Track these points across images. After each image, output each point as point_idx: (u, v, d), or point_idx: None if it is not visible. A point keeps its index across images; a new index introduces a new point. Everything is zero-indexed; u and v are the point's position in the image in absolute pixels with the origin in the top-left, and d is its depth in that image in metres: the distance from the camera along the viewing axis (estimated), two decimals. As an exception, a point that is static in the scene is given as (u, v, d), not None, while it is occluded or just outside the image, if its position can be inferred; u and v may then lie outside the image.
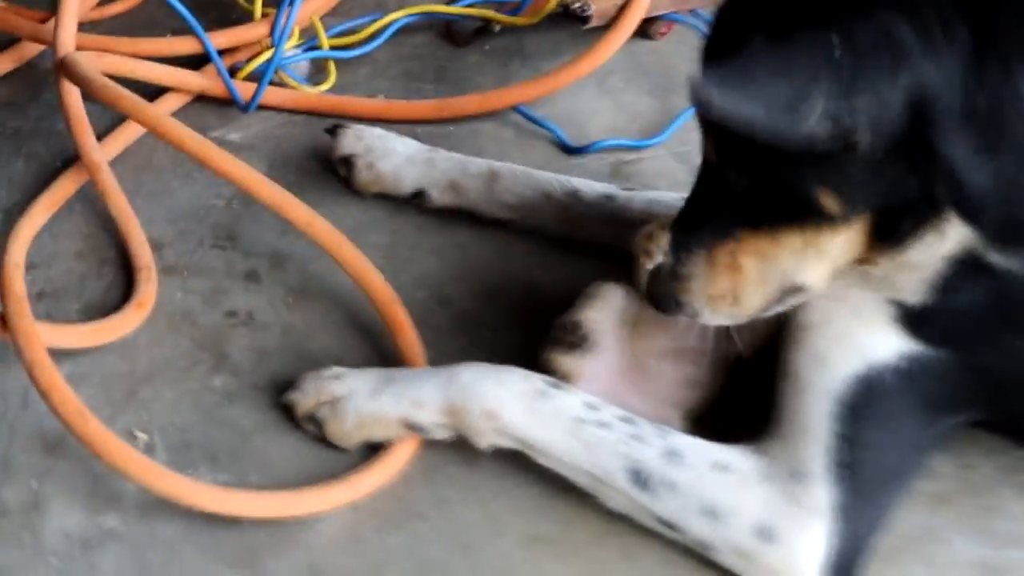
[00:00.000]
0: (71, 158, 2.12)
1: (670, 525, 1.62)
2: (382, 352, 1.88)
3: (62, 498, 1.70)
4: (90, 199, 2.09)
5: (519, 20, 2.42)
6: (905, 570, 1.66)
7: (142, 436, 1.77)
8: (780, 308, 1.58)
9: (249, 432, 1.78)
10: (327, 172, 2.17)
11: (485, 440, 1.69)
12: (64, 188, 2.07)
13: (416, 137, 2.22)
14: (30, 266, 1.95)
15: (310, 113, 2.27)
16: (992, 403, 1.63)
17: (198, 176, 2.14)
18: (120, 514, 1.68)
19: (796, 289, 1.54)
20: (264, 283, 1.98)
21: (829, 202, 1.43)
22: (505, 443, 1.69)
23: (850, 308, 1.59)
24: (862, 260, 1.51)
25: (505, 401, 1.67)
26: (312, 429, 1.76)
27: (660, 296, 1.61)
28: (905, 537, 1.68)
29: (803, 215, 1.46)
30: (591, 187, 1.99)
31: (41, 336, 1.75)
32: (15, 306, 1.78)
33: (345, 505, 1.69)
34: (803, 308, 1.60)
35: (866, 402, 1.56)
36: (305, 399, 1.77)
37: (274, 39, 2.26)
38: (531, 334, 1.89)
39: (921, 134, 1.35)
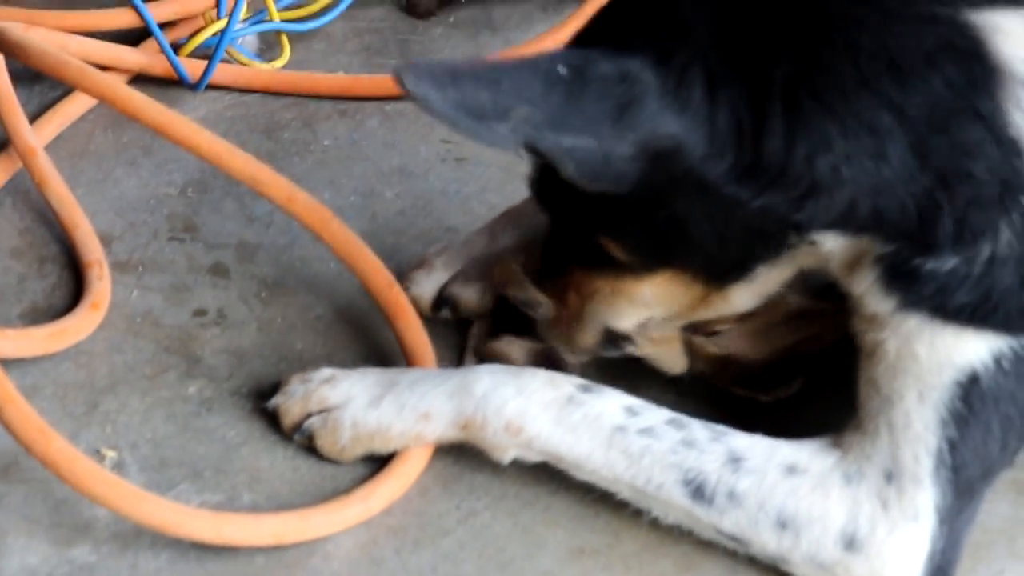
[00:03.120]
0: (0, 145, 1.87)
1: (737, 539, 1.43)
2: (377, 348, 1.66)
3: (21, 530, 1.45)
4: (22, 191, 1.85)
5: (485, -11, 2.22)
6: (996, 566, 1.49)
7: (110, 454, 1.52)
8: (616, 353, 1.56)
9: (234, 444, 1.55)
10: (289, 154, 1.95)
11: (507, 455, 1.48)
12: (-7, 178, 1.81)
13: (386, 116, 2.02)
14: (-41, 267, 1.70)
15: (264, 92, 2.04)
16: None
17: (144, 162, 1.91)
18: (93, 546, 1.44)
19: (618, 336, 1.53)
20: (233, 277, 1.75)
21: (614, 249, 1.44)
22: (532, 457, 1.48)
23: (935, 326, 1.38)
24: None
25: (530, 412, 1.45)
26: (301, 441, 1.53)
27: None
28: (991, 530, 1.51)
29: (604, 260, 1.46)
30: None
31: (-15, 343, 1.50)
32: (-50, 312, 1.52)
33: (357, 524, 1.46)
34: (878, 329, 1.41)
35: (972, 404, 1.37)
36: (292, 406, 1.54)
37: (220, 11, 2.03)
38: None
39: (690, 183, 1.33)
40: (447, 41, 2.19)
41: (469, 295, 1.67)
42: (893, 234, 1.36)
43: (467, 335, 1.66)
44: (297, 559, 1.44)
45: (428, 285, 1.68)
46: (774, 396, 1.59)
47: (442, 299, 1.67)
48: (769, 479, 1.41)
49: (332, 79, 2.05)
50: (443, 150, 1.97)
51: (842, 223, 1.36)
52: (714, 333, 1.57)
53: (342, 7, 2.18)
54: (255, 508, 1.48)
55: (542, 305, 1.57)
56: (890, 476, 1.38)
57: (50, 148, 1.89)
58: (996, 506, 1.53)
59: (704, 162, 1.32)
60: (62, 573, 1.41)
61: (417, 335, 1.61)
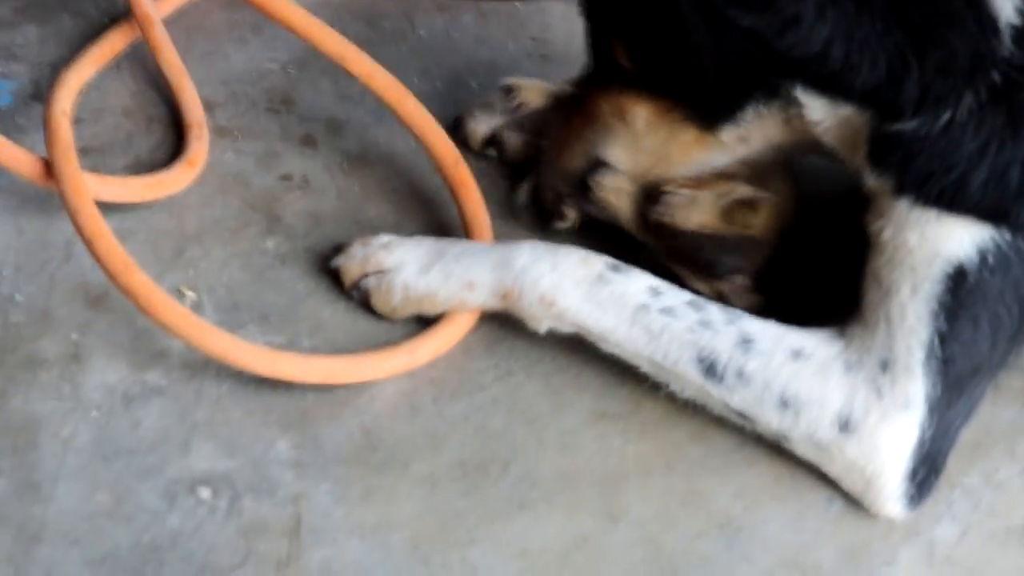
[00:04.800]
0: (119, 15, 2.02)
1: (743, 416, 1.54)
2: (443, 222, 1.79)
3: (104, 352, 1.61)
4: (139, 58, 1.99)
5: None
6: (992, 464, 1.59)
7: (190, 294, 1.68)
8: (588, 181, 1.67)
9: (302, 295, 1.69)
10: (387, 42, 2.07)
11: (542, 325, 1.60)
12: (113, 43, 1.96)
13: (481, 13, 2.14)
14: (76, 121, 1.84)
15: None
16: None
17: (253, 40, 2.04)
18: (165, 371, 1.60)
19: (600, 164, 1.65)
20: (320, 148, 1.89)
21: (622, 56, 1.55)
22: (564, 328, 1.59)
23: (920, 212, 1.48)
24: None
25: (562, 287, 1.57)
26: (359, 298, 1.67)
27: None
28: (992, 432, 1.61)
29: (614, 74, 1.58)
30: None
31: (88, 186, 1.66)
32: (62, 153, 1.68)
33: (402, 373, 1.60)
34: (878, 216, 1.51)
35: (960, 298, 1.47)
36: (352, 267, 1.68)
37: (336, -96, 2.14)
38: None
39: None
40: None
41: (514, 140, 1.85)
42: (864, 92, 1.45)
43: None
44: (344, 399, 1.58)
45: (484, 123, 1.86)
46: (712, 286, 1.66)
47: (492, 138, 1.85)
48: (775, 361, 1.51)
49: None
50: (530, 46, 2.08)
51: (818, 68, 1.45)
52: (660, 196, 1.66)
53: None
54: (313, 351, 1.63)
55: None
56: (885, 365, 1.48)
57: (169, 21, 2.03)
58: (1003, 410, 1.62)
59: None
60: (135, 392, 1.58)
61: (478, 209, 1.74)
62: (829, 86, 1.48)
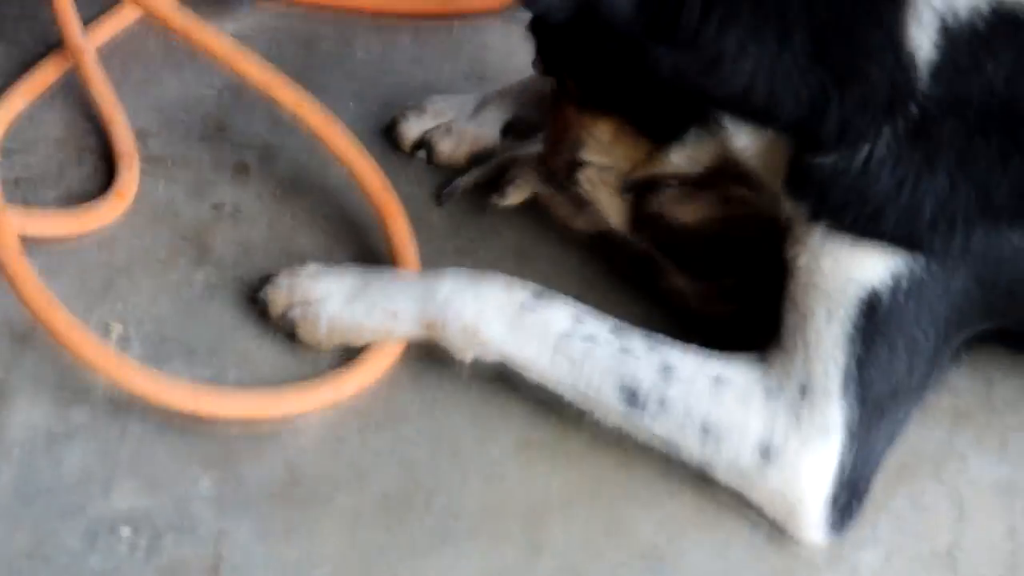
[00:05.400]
0: (54, 45, 2.01)
1: (666, 444, 1.54)
2: (372, 249, 1.79)
3: (28, 390, 1.61)
4: (73, 87, 1.98)
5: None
6: (920, 487, 1.58)
7: (117, 328, 1.68)
8: (576, 175, 1.69)
9: (229, 327, 1.69)
10: (324, 66, 2.06)
11: (468, 355, 1.60)
12: (46, 74, 1.96)
13: (419, 35, 2.13)
14: (7, 152, 1.86)
15: (308, 7, 2.16)
16: (998, 311, 1.54)
17: (188, 66, 2.03)
18: (90, 408, 1.60)
19: (579, 163, 1.66)
20: (253, 176, 1.89)
21: (572, 87, 1.62)
22: (489, 357, 1.59)
23: (834, 239, 1.50)
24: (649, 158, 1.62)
25: (485, 316, 1.57)
26: (285, 329, 1.67)
27: None
28: (921, 454, 1.61)
29: (572, 97, 1.62)
30: None
31: (12, 222, 1.66)
32: (-14, 189, 1.68)
33: (327, 406, 1.60)
34: (794, 243, 1.52)
35: (875, 323, 1.48)
36: (278, 297, 1.67)
37: (273, -73, 2.14)
38: (532, 234, 1.82)
39: (614, 32, 1.47)
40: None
41: (444, 145, 1.87)
42: (787, 125, 1.47)
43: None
44: (268, 433, 1.58)
45: (415, 126, 1.89)
46: (696, 293, 1.68)
47: (421, 142, 1.87)
48: (697, 388, 1.51)
49: (370, -2, 2.17)
50: (467, 68, 2.07)
51: (741, 103, 1.47)
52: (655, 188, 1.67)
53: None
54: (239, 385, 1.62)
55: None
56: (804, 391, 1.48)
57: (104, 49, 2.02)
58: (931, 432, 1.62)
59: (629, 14, 1.45)
60: (59, 430, 1.57)
61: (404, 238, 1.74)
62: (754, 118, 1.50)
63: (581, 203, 1.72)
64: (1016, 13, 1.44)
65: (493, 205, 1.79)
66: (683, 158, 1.59)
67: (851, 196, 1.46)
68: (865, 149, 1.44)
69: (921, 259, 1.46)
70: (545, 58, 1.65)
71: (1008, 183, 1.45)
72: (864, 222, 1.46)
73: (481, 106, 1.91)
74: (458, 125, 1.90)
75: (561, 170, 1.71)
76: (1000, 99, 1.43)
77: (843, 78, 1.44)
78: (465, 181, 1.85)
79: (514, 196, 1.78)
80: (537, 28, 1.63)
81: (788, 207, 1.51)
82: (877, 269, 1.46)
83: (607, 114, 1.61)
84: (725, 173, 1.61)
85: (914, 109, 1.43)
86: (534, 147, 1.80)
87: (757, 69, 1.45)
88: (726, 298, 1.67)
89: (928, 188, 1.44)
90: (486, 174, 1.84)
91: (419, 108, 1.92)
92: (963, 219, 1.46)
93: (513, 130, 1.91)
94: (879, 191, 1.45)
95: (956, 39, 1.43)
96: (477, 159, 1.87)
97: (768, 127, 1.50)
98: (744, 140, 1.53)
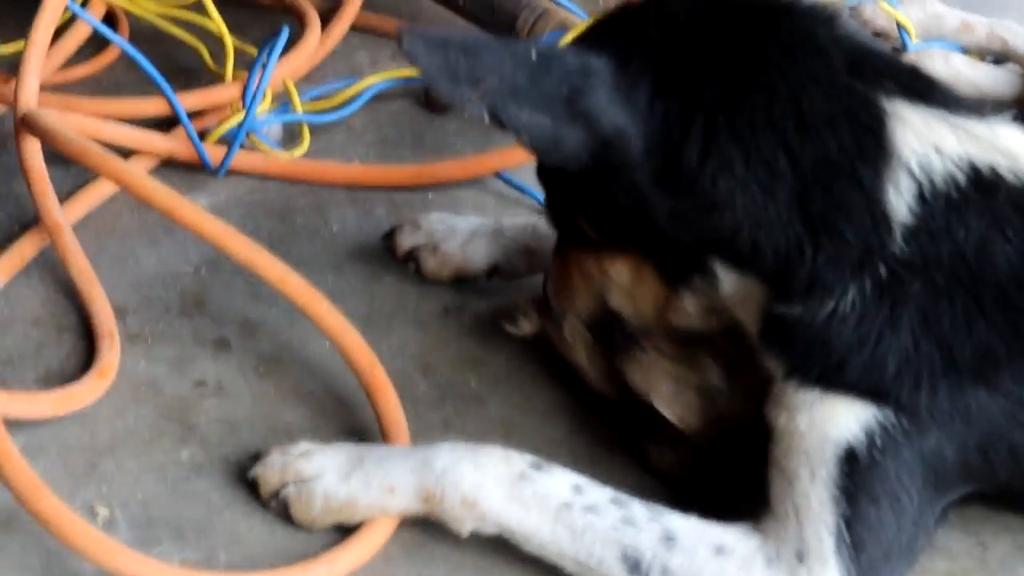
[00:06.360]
0: (30, 222, 2.01)
1: None
2: (360, 424, 1.78)
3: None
4: (50, 264, 1.98)
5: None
6: (921, 654, 1.56)
7: (103, 511, 1.64)
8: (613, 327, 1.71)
9: (218, 507, 1.66)
10: (300, 238, 2.07)
11: (465, 527, 1.58)
12: (22, 251, 1.95)
13: (393, 205, 2.15)
14: (-17, 332, 1.84)
15: (283, 179, 2.17)
16: (976, 473, 1.55)
17: (165, 241, 2.03)
18: (78, 596, 1.56)
19: (614, 312, 1.68)
20: (234, 351, 1.88)
21: (585, 227, 1.64)
22: (487, 530, 1.58)
23: (806, 394, 1.53)
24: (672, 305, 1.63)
25: (484, 487, 1.56)
26: (277, 508, 1.64)
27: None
28: (920, 618, 1.59)
29: (584, 239, 1.65)
30: None
31: (-6, 404, 1.64)
32: (-33, 372, 1.66)
33: (321, 586, 1.57)
34: (774, 404, 1.55)
35: (856, 481, 1.49)
36: (270, 476, 1.65)
37: (245, 102, 2.16)
38: (518, 405, 1.81)
39: (624, 175, 1.52)
40: (460, 134, 2.30)
41: (429, 264, 1.97)
42: (765, 274, 1.51)
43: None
44: (263, 617, 1.55)
45: (408, 239, 1.98)
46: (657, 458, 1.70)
47: (411, 255, 1.96)
48: (699, 558, 1.51)
49: (344, 168, 2.18)
50: (443, 236, 2.08)
51: (727, 249, 1.52)
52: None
53: (362, 100, 2.31)
54: (230, 567, 1.59)
55: None
56: (801, 556, 1.49)
57: (79, 225, 2.02)
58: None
59: (639, 159, 1.51)
60: (47, 619, 1.54)
61: (394, 413, 1.73)
62: (739, 263, 1.54)
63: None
64: (991, 182, 1.50)
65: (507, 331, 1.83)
66: (692, 303, 1.61)
67: (815, 348, 1.50)
68: (830, 305, 1.49)
69: (890, 414, 1.49)
70: (554, 203, 1.69)
71: (972, 345, 1.48)
72: (830, 373, 1.50)
73: (472, 236, 1.96)
74: (445, 247, 1.96)
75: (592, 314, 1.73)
76: (968, 264, 1.48)
77: (819, 234, 1.49)
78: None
79: (525, 326, 1.81)
80: (546, 175, 1.68)
81: (764, 360, 1.56)
82: (850, 424, 1.49)
83: (624, 251, 1.63)
84: (720, 330, 1.63)
85: (883, 269, 1.48)
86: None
87: (743, 220, 1.50)
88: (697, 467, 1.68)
89: (892, 344, 1.48)
90: None
91: (415, 223, 1.99)
92: (928, 375, 1.49)
93: (498, 273, 1.96)
94: (841, 345, 1.49)
95: (931, 205, 1.48)
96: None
97: (749, 274, 1.54)
98: (729, 286, 1.56)
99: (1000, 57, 2.45)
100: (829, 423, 1.50)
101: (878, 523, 1.49)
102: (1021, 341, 1.49)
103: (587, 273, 1.70)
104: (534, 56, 1.49)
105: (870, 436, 1.49)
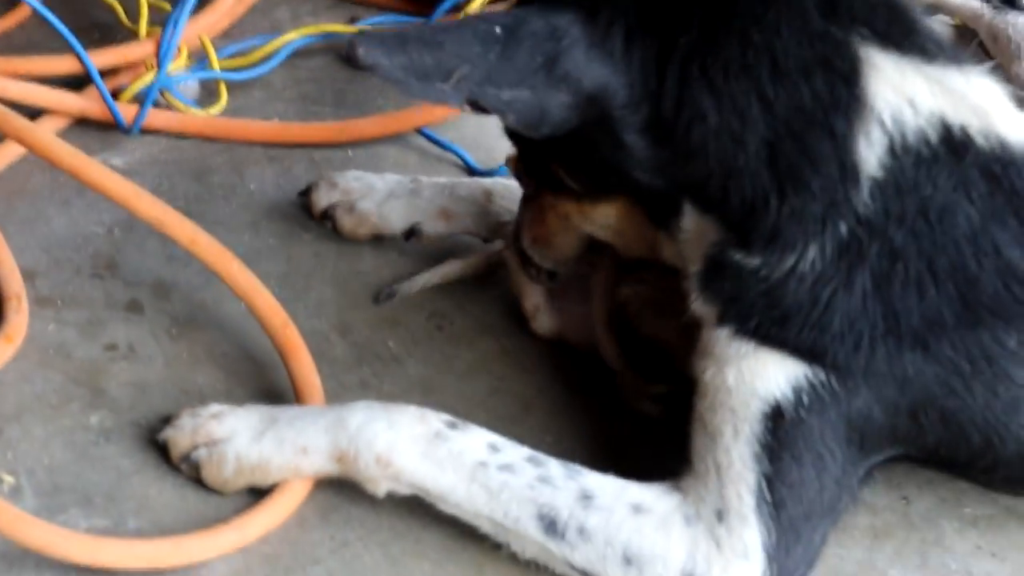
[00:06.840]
0: (-64, 183, 1.96)
1: (587, 574, 1.49)
2: (275, 386, 1.74)
3: (-86, 549, 1.53)
4: (-46, 228, 1.92)
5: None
6: (843, 610, 1.55)
7: (8, 479, 1.60)
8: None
9: (127, 473, 1.62)
10: (216, 198, 2.03)
11: (380, 487, 1.55)
12: (-73, 214, 1.90)
13: (313, 163, 2.11)
14: None
15: (199, 137, 2.13)
16: (904, 436, 1.53)
17: (76, 202, 1.98)
18: (-19, 566, 1.52)
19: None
20: (147, 314, 1.83)
21: (566, 177, 1.59)
22: (402, 490, 1.55)
23: (737, 345, 1.50)
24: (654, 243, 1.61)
25: (399, 446, 1.53)
26: (188, 471, 1.61)
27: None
28: (841, 573, 1.58)
29: (564, 186, 1.60)
30: None
31: None
32: None
33: (232, 551, 1.54)
34: (702, 355, 1.52)
35: (780, 438, 1.47)
36: (180, 439, 1.61)
37: (159, 59, 2.11)
38: (437, 365, 1.79)
39: (608, 128, 1.47)
40: (382, 91, 2.25)
41: (345, 222, 1.93)
42: (728, 222, 1.48)
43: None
44: (172, 582, 1.52)
45: (324, 197, 1.95)
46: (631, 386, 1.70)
47: (327, 213, 1.93)
48: (616, 517, 1.48)
49: (262, 126, 2.13)
50: (363, 195, 2.04)
51: (697, 194, 1.50)
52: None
53: (281, 56, 2.26)
54: (139, 534, 1.56)
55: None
56: (720, 515, 1.46)
57: (-14, 186, 1.98)
58: (851, 551, 1.60)
59: (623, 110, 1.47)
60: (-52, 591, 1.49)
61: (308, 374, 1.69)
62: (706, 207, 1.51)
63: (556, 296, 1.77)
64: (961, 142, 1.46)
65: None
66: (671, 245, 1.58)
67: (761, 300, 1.47)
68: (790, 262, 1.45)
69: (821, 373, 1.46)
70: (528, 156, 1.65)
71: (919, 311, 1.46)
72: (769, 327, 1.47)
73: (390, 196, 1.92)
74: (361, 206, 1.92)
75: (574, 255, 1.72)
76: (931, 224, 1.45)
77: (785, 185, 1.45)
78: (408, 286, 1.85)
79: (545, 321, 1.80)
80: (518, 134, 1.62)
81: (698, 305, 1.52)
82: (779, 380, 1.46)
83: (608, 196, 1.59)
84: None
85: (844, 228, 1.44)
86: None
87: (715, 165, 1.47)
88: (656, 400, 1.68)
89: (841, 306, 1.44)
90: (429, 282, 1.86)
91: (332, 181, 1.96)
92: (868, 338, 1.46)
93: (417, 235, 1.92)
94: (792, 302, 1.46)
95: (901, 160, 1.44)
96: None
97: (711, 216, 1.50)
98: (688, 223, 1.53)
99: (931, 9, 2.43)
100: (758, 379, 1.47)
101: (800, 482, 1.47)
102: (968, 310, 1.46)
103: (566, 217, 1.66)
104: (499, 31, 1.43)
105: (797, 393, 1.46)
